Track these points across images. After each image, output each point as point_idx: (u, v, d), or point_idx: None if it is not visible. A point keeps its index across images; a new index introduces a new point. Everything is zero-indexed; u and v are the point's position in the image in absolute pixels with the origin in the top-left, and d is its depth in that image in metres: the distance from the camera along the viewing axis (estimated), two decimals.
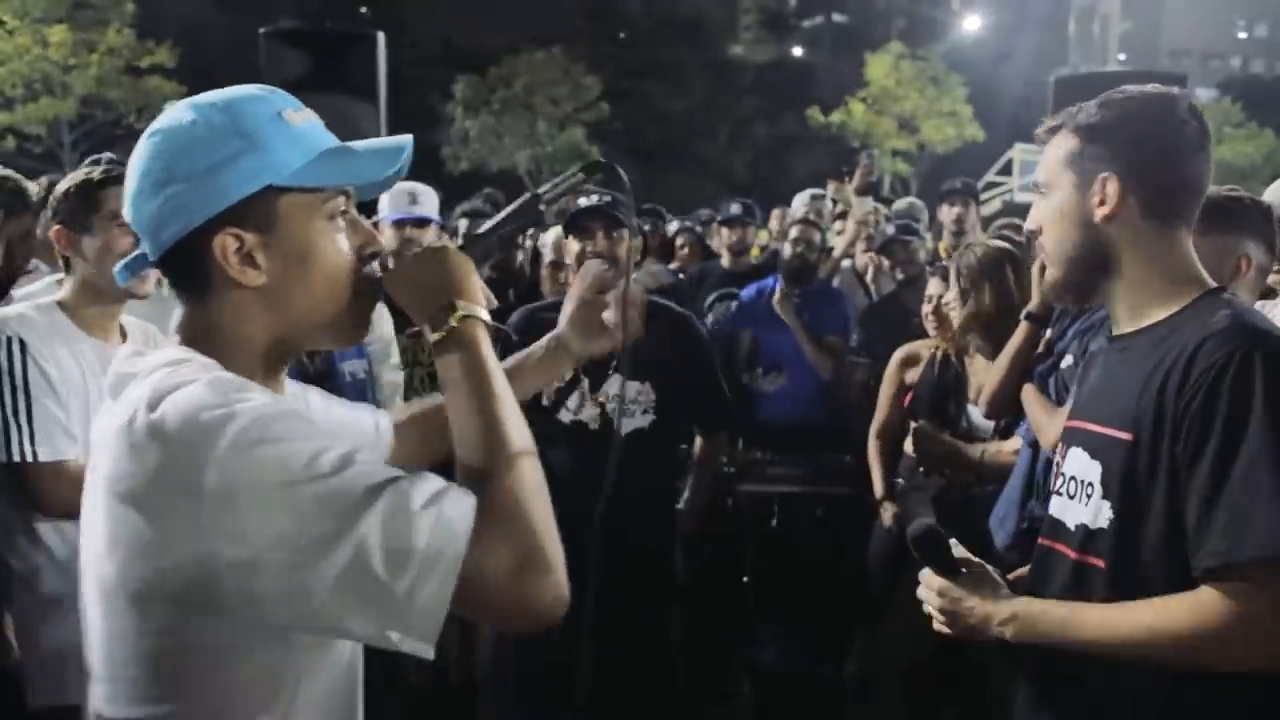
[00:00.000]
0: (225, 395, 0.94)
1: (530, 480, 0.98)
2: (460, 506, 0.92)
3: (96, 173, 2.11)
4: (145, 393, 0.96)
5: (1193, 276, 1.38)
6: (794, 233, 4.18)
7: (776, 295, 4.00)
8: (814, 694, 3.52)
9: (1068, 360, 2.41)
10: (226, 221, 1.02)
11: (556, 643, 2.69)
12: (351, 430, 1.36)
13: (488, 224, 1.27)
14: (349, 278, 1.09)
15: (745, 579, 3.68)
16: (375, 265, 1.13)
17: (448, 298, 1.07)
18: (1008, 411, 2.70)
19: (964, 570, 1.45)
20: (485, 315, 1.08)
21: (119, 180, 2.05)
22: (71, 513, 1.94)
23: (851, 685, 3.44)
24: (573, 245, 2.68)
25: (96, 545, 0.98)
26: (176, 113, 1.06)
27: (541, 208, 1.27)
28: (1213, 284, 1.38)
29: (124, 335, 2.14)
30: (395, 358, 3.10)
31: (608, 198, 2.70)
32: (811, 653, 3.66)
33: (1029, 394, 2.51)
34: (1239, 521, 1.18)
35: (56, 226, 2.09)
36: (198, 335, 1.07)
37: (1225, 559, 1.19)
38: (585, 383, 2.70)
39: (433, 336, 1.06)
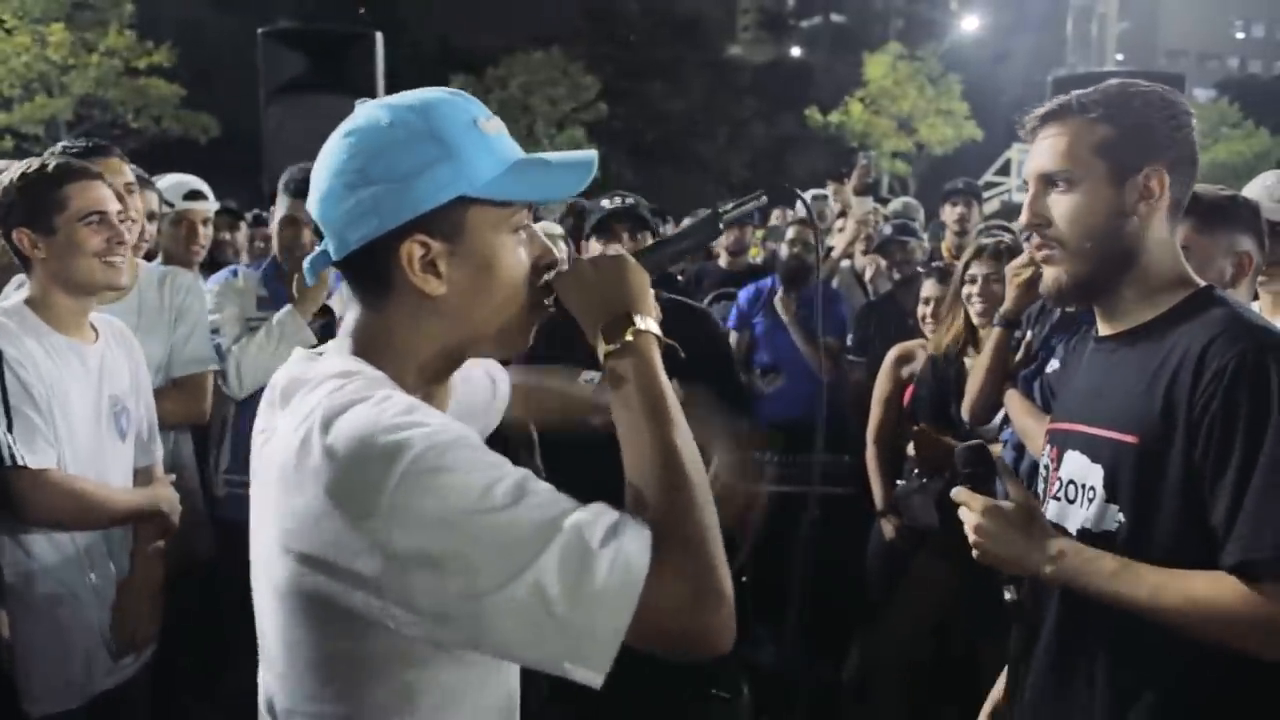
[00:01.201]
0: (397, 418, 0.92)
1: (706, 511, 0.95)
2: (638, 541, 0.91)
3: (51, 165, 2.01)
4: (318, 409, 0.95)
5: (1184, 276, 1.37)
6: (790, 233, 4.19)
7: (777, 296, 4.00)
8: (812, 694, 3.52)
9: (1054, 364, 2.39)
10: (416, 228, 1.00)
11: None
12: (476, 401, 1.36)
13: (664, 239, 1.23)
14: (525, 290, 1.08)
15: (743, 579, 3.68)
16: (550, 275, 1.10)
17: (624, 309, 1.05)
18: (990, 417, 2.70)
19: (1010, 499, 1.40)
20: (659, 332, 1.06)
21: (79, 174, 2.02)
22: (54, 520, 1.95)
23: (850, 686, 3.43)
24: (595, 247, 2.68)
25: (269, 547, 0.98)
26: (373, 113, 1.04)
27: (721, 226, 1.22)
28: (1201, 283, 1.36)
29: (95, 333, 2.10)
30: None
31: (630, 200, 2.71)
32: (810, 653, 3.66)
33: (1013, 399, 2.50)
34: (1265, 520, 1.19)
35: (19, 229, 1.99)
36: (368, 342, 1.06)
37: (1247, 556, 1.20)
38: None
39: (605, 348, 1.03)
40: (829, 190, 5.51)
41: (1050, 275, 1.39)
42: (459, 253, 1.02)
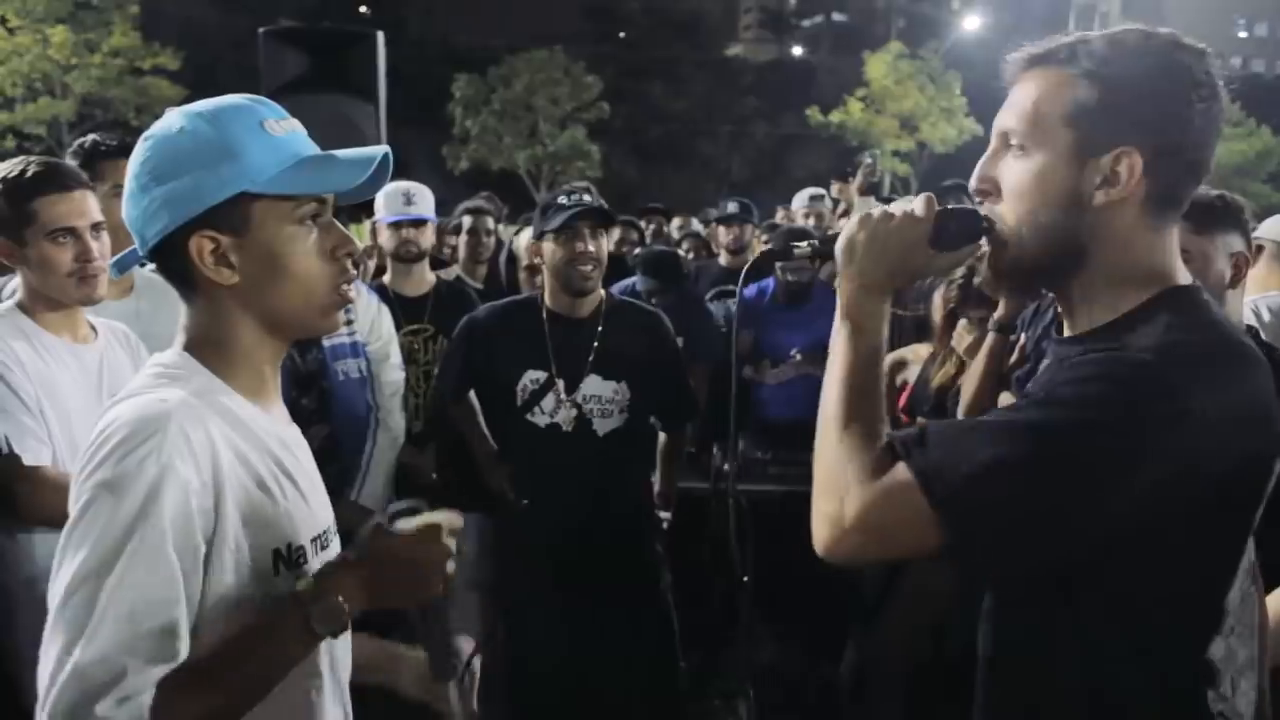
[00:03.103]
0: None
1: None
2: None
3: (30, 172, 1.95)
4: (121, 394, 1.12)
5: (1164, 273, 1.10)
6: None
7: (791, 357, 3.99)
8: (811, 693, 3.52)
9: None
10: (203, 224, 1.10)
11: (552, 643, 2.70)
12: None
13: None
14: (319, 277, 1.16)
15: (745, 579, 3.68)
16: (349, 265, 1.19)
17: None
18: None
19: None
20: None
21: (52, 186, 1.95)
22: (49, 518, 1.94)
23: (849, 685, 3.43)
24: (550, 248, 2.61)
25: None
26: (169, 120, 1.14)
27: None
28: (1184, 281, 1.11)
29: (95, 333, 2.08)
30: (396, 357, 3.08)
31: (588, 196, 2.66)
32: (809, 652, 3.66)
33: (1007, 401, 2.51)
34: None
35: None
36: (192, 335, 1.17)
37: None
38: (560, 384, 2.65)
39: None
40: (834, 189, 5.51)
41: (995, 260, 1.15)
42: (247, 245, 1.12)
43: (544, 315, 2.70)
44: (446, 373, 2.84)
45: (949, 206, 1.16)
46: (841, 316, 1.16)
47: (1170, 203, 1.09)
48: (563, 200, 2.63)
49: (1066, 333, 1.17)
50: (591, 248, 2.60)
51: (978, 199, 1.16)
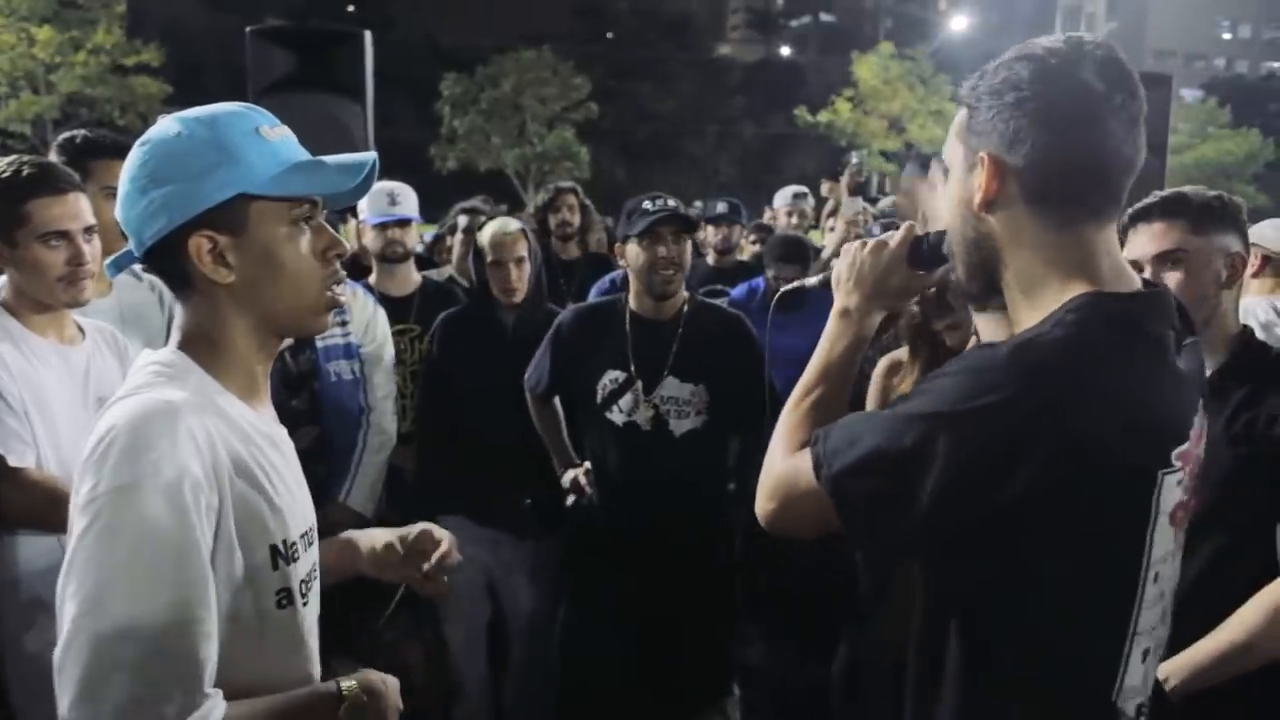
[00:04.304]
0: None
1: None
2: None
3: (25, 172, 1.93)
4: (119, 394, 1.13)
5: (1082, 278, 1.07)
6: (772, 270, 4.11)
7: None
8: (802, 693, 3.52)
9: None
10: (202, 224, 1.14)
11: (611, 638, 2.74)
12: None
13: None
14: (311, 278, 1.20)
15: (734, 578, 3.68)
16: (340, 266, 1.23)
17: None
18: None
19: None
20: None
21: (45, 188, 1.94)
22: (32, 520, 1.93)
23: (841, 685, 3.44)
24: (634, 251, 2.67)
25: None
26: (166, 125, 1.18)
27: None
28: (1113, 286, 1.07)
29: (82, 334, 2.06)
30: (389, 359, 3.07)
31: (673, 202, 2.69)
32: (797, 652, 3.66)
33: None
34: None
35: None
36: (187, 334, 1.20)
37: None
38: (639, 384, 2.69)
39: None
40: (824, 188, 5.53)
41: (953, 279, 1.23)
42: (243, 244, 1.16)
43: (627, 317, 2.75)
44: (535, 373, 2.86)
45: (927, 233, 1.29)
46: (826, 332, 1.34)
47: (1059, 201, 1.07)
48: (647, 205, 2.67)
49: None
50: (673, 252, 2.64)
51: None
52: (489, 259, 2.94)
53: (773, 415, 1.34)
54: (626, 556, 2.71)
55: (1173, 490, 1.06)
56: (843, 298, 1.32)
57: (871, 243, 1.31)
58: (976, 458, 0.99)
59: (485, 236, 2.97)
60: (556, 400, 2.94)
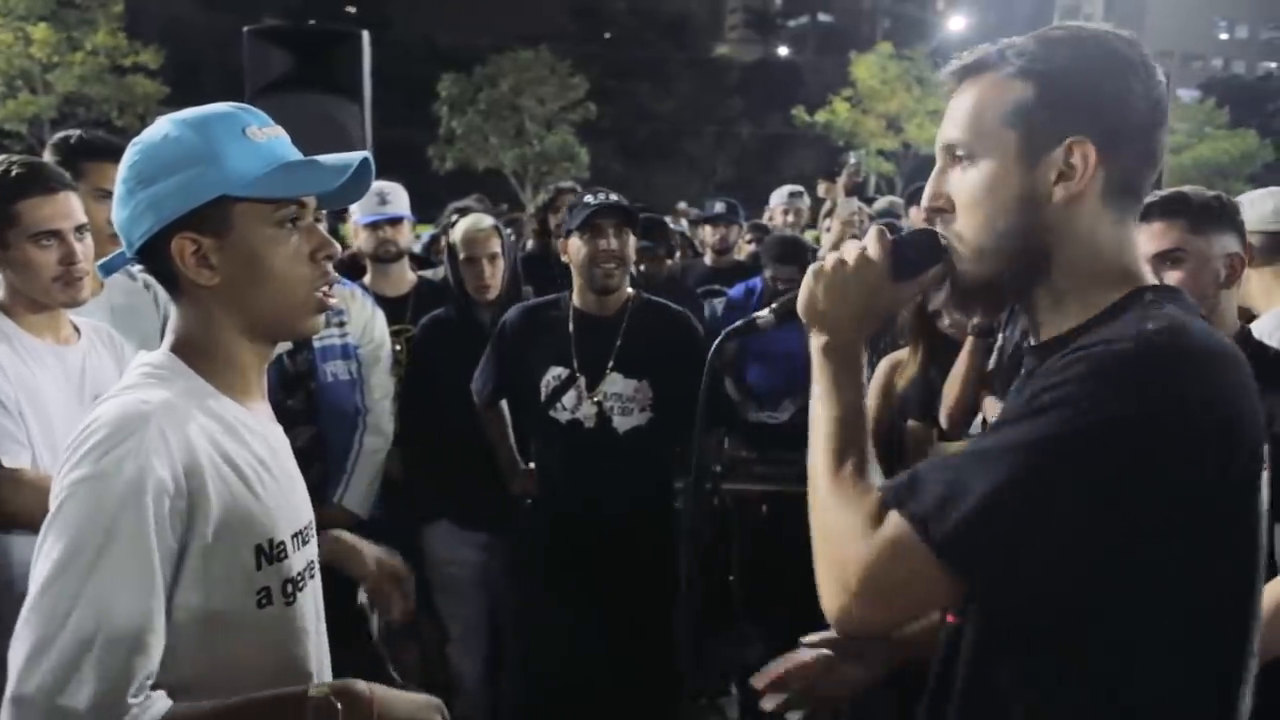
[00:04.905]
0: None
1: None
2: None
3: (14, 172, 1.91)
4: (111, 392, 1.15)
5: (1133, 271, 1.05)
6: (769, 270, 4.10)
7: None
8: None
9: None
10: (185, 226, 1.14)
11: (564, 638, 2.71)
12: None
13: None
14: (298, 279, 1.19)
15: (731, 578, 3.68)
16: (330, 268, 1.23)
17: None
18: (968, 423, 2.72)
19: None
20: None
21: (37, 188, 1.92)
22: (28, 521, 1.91)
23: None
24: (575, 245, 2.64)
25: None
26: (158, 126, 1.19)
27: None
28: (1152, 280, 1.07)
29: (77, 334, 2.05)
30: (386, 360, 3.05)
31: (614, 196, 2.67)
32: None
33: (989, 405, 2.52)
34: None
35: None
36: (179, 337, 1.21)
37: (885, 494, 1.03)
38: (582, 380, 2.67)
39: None
40: (820, 189, 5.53)
41: (953, 278, 1.09)
42: (226, 246, 1.16)
43: (570, 314, 2.73)
44: (481, 377, 2.84)
45: (902, 235, 1.12)
46: (816, 376, 1.10)
47: (1128, 192, 1.04)
48: (589, 199, 2.65)
49: (1037, 340, 1.09)
50: (614, 245, 2.61)
51: (931, 219, 1.10)
52: (462, 256, 2.92)
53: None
54: (571, 557, 2.68)
55: (1266, 487, 0.99)
56: (824, 333, 1.10)
57: (845, 259, 1.10)
58: (1143, 459, 0.89)
59: (457, 233, 2.95)
60: (504, 405, 2.91)
